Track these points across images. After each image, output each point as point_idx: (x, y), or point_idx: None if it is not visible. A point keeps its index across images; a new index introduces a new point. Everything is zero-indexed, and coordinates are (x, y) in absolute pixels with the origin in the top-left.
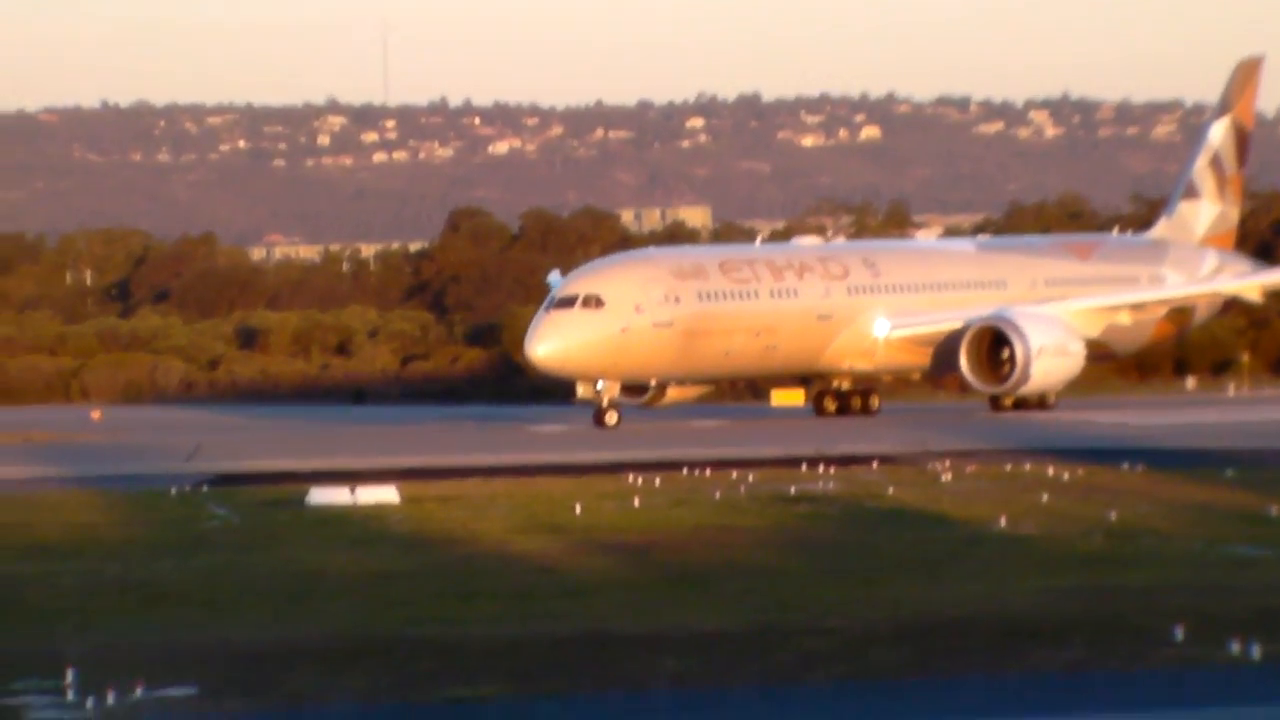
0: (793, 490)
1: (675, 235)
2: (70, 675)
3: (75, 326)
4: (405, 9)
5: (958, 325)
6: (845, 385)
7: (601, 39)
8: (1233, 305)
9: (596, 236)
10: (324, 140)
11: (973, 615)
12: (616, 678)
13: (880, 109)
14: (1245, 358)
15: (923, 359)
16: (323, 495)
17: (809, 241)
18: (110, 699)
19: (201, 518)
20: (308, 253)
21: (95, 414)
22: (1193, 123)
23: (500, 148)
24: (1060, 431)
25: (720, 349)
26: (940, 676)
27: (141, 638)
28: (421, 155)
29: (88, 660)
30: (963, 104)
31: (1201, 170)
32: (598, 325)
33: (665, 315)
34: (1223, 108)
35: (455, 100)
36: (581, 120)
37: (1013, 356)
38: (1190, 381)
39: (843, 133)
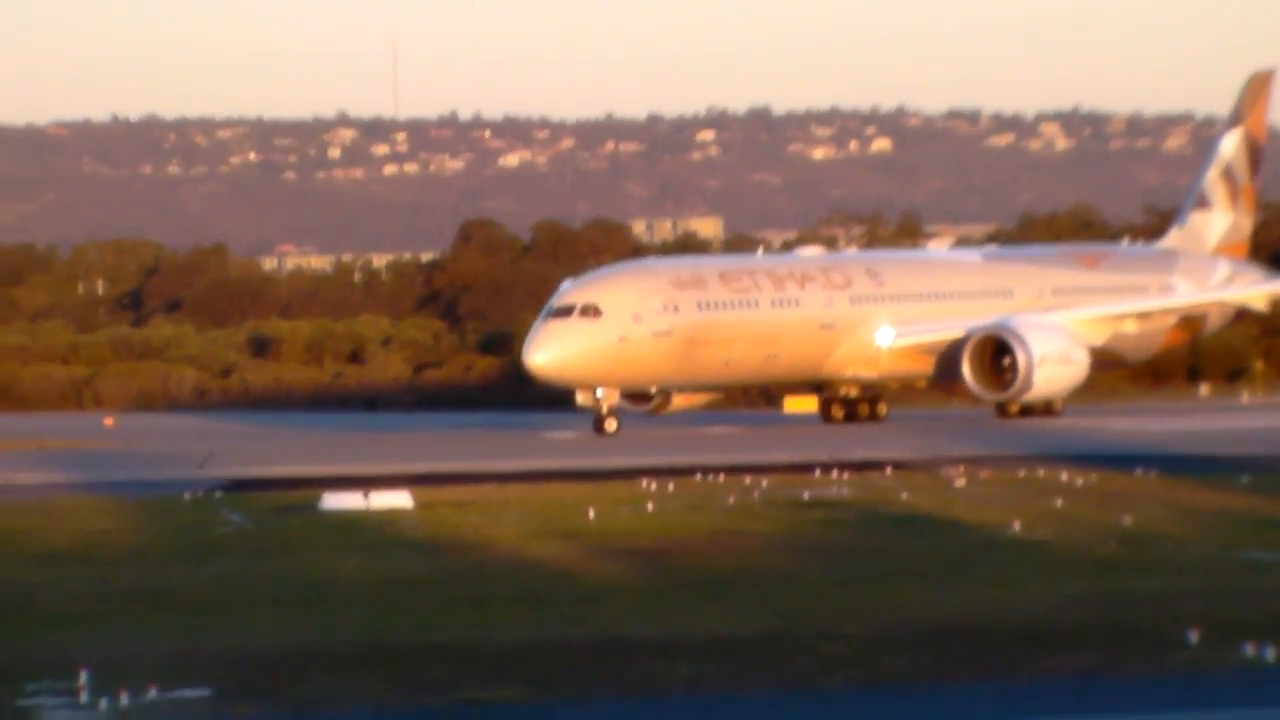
0: (806, 496)
1: (687, 246)
2: (84, 677)
3: (88, 336)
4: (415, 22)
5: (960, 334)
6: (853, 393)
7: (612, 52)
8: (1246, 314)
9: (608, 247)
10: (334, 153)
11: (987, 620)
12: (631, 682)
13: (891, 121)
14: (1259, 365)
15: (927, 367)
16: (336, 501)
17: (812, 252)
18: (124, 701)
19: (215, 523)
20: (319, 263)
21: (108, 421)
22: (1204, 135)
23: (511, 160)
24: (1074, 437)
25: (720, 358)
26: (954, 682)
27: (155, 642)
28: (432, 168)
29: (101, 663)
30: (973, 116)
31: (1213, 181)
32: (595, 334)
33: (664, 324)
34: (1235, 119)
35: (465, 113)
36: (592, 133)
37: (1015, 365)
38: (1204, 388)
39: (854, 145)
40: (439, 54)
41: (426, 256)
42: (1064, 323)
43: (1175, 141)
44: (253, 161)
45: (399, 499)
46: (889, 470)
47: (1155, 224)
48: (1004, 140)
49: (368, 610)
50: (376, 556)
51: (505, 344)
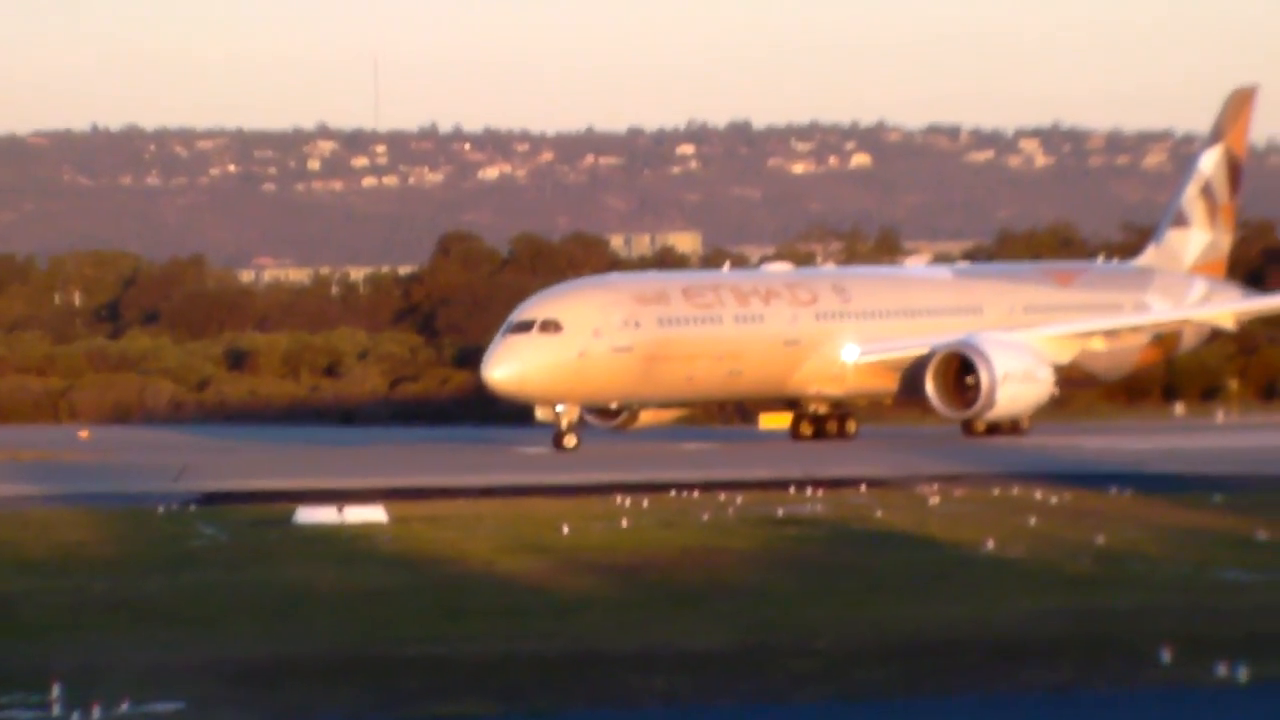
0: (781, 512)
1: (665, 261)
2: (57, 690)
3: (64, 347)
4: (395, 35)
5: (925, 351)
6: (822, 410)
7: (592, 65)
8: (1221, 332)
9: (586, 261)
10: (314, 165)
11: (961, 636)
12: (605, 696)
13: (871, 137)
14: (1234, 384)
15: (892, 384)
16: (310, 514)
17: (779, 268)
18: (97, 714)
19: (189, 536)
20: (297, 275)
21: (83, 433)
22: (1183, 152)
23: (490, 173)
24: (1048, 456)
25: (682, 374)
26: (928, 697)
27: (129, 654)
28: (411, 180)
29: (75, 675)
30: (953, 132)
31: (1192, 199)
32: (554, 349)
33: (624, 340)
34: (1215, 137)
35: (445, 126)
36: (572, 146)
37: (978, 382)
38: (1179, 407)
39: (833, 160)
40: (419, 66)
41: (405, 269)
42: (1029, 340)
43: (1155, 159)
44: (232, 173)
45: (373, 513)
46: (863, 487)
47: (1134, 241)
48: (983, 156)
49: (342, 623)
50: (351, 570)
51: (481, 358)
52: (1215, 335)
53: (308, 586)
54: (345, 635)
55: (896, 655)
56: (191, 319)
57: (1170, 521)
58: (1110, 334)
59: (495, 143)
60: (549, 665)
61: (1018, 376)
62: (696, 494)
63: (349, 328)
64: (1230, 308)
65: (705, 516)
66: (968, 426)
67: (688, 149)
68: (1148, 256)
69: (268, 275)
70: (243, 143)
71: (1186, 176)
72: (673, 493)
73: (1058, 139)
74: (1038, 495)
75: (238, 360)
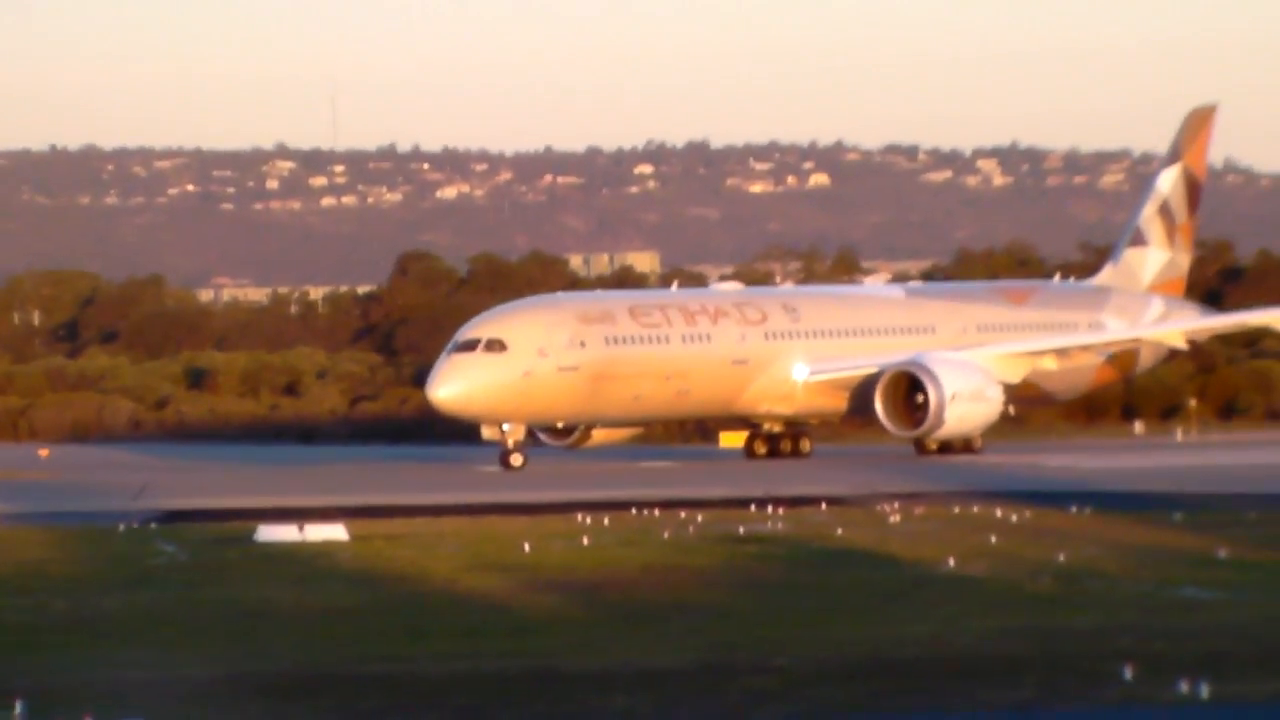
0: (741, 531)
1: (624, 280)
2: (19, 707)
3: (23, 366)
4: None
5: (874, 370)
6: (776, 428)
7: (550, 85)
8: (1179, 351)
9: (545, 281)
10: (273, 184)
11: (921, 654)
12: (564, 714)
13: (829, 157)
14: (1193, 403)
15: (842, 403)
16: (271, 533)
17: (728, 287)
18: None
19: (149, 554)
20: (256, 295)
21: (43, 452)
22: (1140, 172)
23: (449, 193)
24: (1008, 474)
25: (629, 393)
26: (888, 715)
27: (89, 672)
28: (370, 200)
29: (37, 693)
30: (911, 152)
31: (1149, 218)
32: (499, 369)
33: (570, 359)
34: (1173, 156)
35: (404, 146)
36: (530, 166)
37: (927, 401)
38: (1138, 426)
39: (791, 180)
40: (378, 87)
41: (363, 289)
42: (978, 359)
43: (1112, 178)
44: (191, 192)
45: (334, 531)
46: (823, 506)
47: (1091, 261)
48: (941, 176)
49: (303, 641)
50: (311, 588)
51: None
52: (1174, 354)
53: (268, 605)
54: (306, 653)
55: (857, 674)
56: (150, 338)
57: (1130, 540)
58: (1061, 353)
59: (453, 162)
60: (510, 684)
61: (966, 395)
62: (657, 512)
63: (308, 347)
64: (1179, 327)
65: (666, 535)
66: (920, 445)
67: (646, 169)
68: (1104, 276)
69: (226, 295)
70: (201, 162)
71: (1144, 195)
72: (633, 511)
73: (1015, 159)
74: (998, 513)
75: (196, 379)
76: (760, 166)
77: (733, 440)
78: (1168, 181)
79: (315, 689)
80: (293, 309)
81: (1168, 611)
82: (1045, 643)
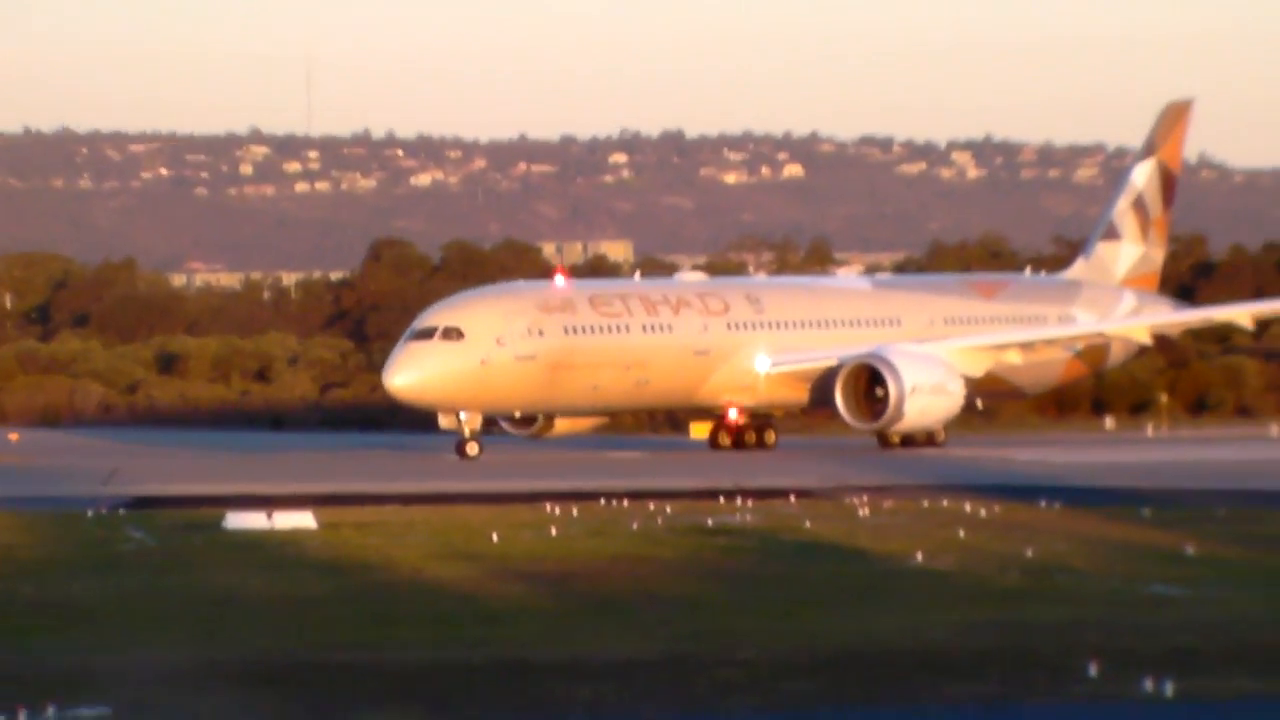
0: (710, 522)
1: (597, 269)
2: None
3: None
4: (329, 40)
5: (834, 362)
6: (742, 420)
7: (525, 73)
8: (1151, 346)
9: (518, 269)
10: (246, 169)
11: (889, 648)
12: (532, 704)
13: (803, 148)
14: (1164, 398)
15: (804, 394)
16: (239, 520)
17: (692, 277)
18: (23, 717)
19: (118, 540)
20: (229, 280)
21: (12, 436)
22: (1114, 166)
23: (423, 179)
24: (977, 468)
25: (587, 383)
26: (855, 709)
27: (55, 658)
28: (344, 186)
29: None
30: (885, 144)
31: (1123, 212)
32: (456, 357)
33: (527, 348)
34: (1148, 150)
35: (378, 132)
36: (504, 153)
37: (887, 394)
38: (1109, 421)
39: (765, 170)
40: (352, 72)
41: (336, 275)
42: (940, 353)
43: (1086, 172)
44: (164, 176)
45: (302, 519)
46: (792, 498)
47: (1065, 254)
48: (915, 168)
49: (269, 629)
50: (279, 576)
51: None
52: (1146, 349)
53: (236, 592)
54: (273, 641)
55: (824, 666)
56: (122, 322)
57: (1099, 535)
58: (1026, 347)
59: (428, 149)
60: (477, 673)
61: (927, 389)
62: (626, 503)
63: (280, 333)
64: (1142, 321)
65: (635, 525)
66: (883, 438)
67: (620, 158)
68: (1076, 269)
69: (199, 279)
70: (175, 146)
71: (1118, 189)
72: (602, 501)
73: (990, 151)
74: (967, 507)
75: (168, 364)
76: (734, 157)
77: (704, 431)
78: (1142, 175)
79: (282, 677)
80: (265, 294)
81: (1135, 607)
82: (1012, 638)
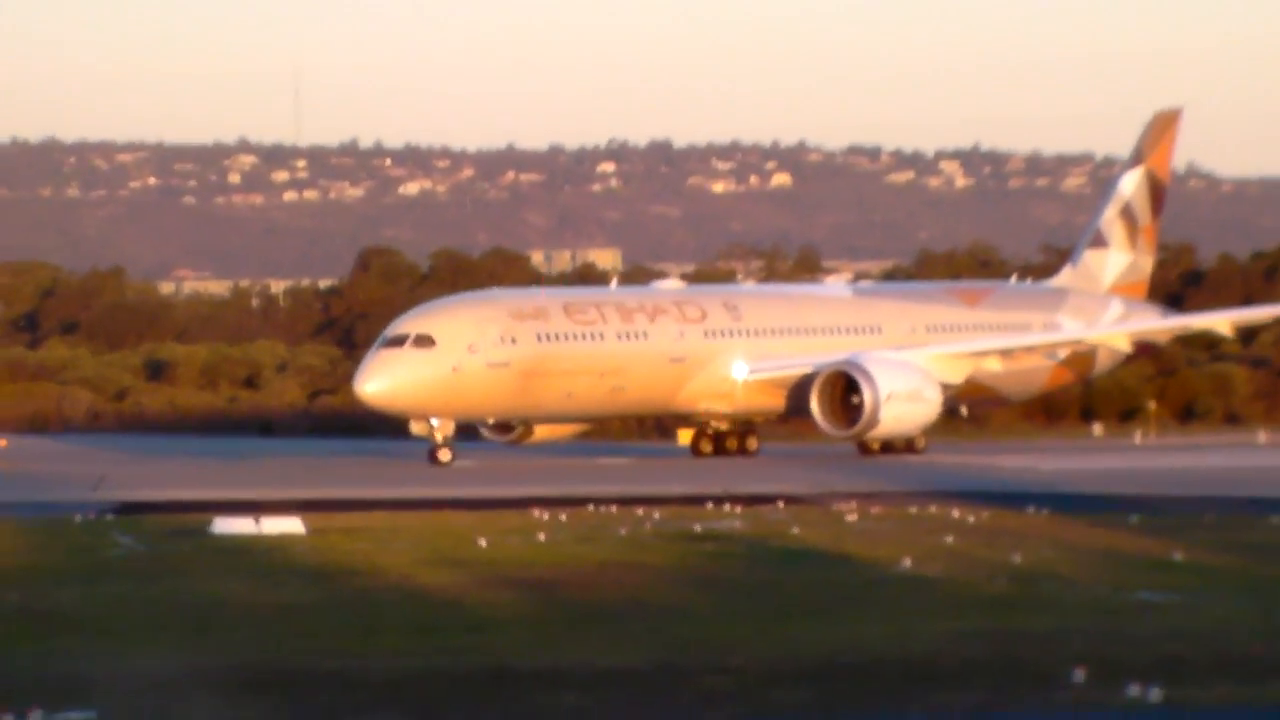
0: (698, 529)
1: (585, 277)
2: None
3: None
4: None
5: (811, 370)
6: (723, 426)
7: (513, 82)
8: (1140, 353)
9: (506, 277)
10: (234, 179)
11: (876, 656)
12: (518, 713)
13: (791, 157)
14: (1152, 405)
15: (781, 402)
16: (228, 525)
17: (669, 285)
18: None
19: (106, 546)
20: (217, 288)
21: (1, 442)
22: (1102, 175)
23: (411, 189)
24: (965, 475)
25: (561, 390)
26: (843, 717)
27: (42, 664)
28: (332, 195)
29: None
30: (874, 153)
31: (1111, 220)
32: (428, 364)
33: (500, 356)
34: (1136, 158)
35: (366, 141)
36: (492, 163)
37: (862, 401)
38: (1097, 428)
39: (754, 179)
40: (340, 81)
41: (325, 283)
42: (917, 360)
43: (1074, 181)
44: (152, 185)
45: (290, 525)
46: (780, 504)
47: (1053, 263)
48: (904, 177)
49: (257, 635)
50: (267, 582)
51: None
52: (1134, 356)
53: (224, 598)
54: (261, 648)
55: (813, 675)
56: (111, 330)
57: (1087, 542)
58: (1006, 354)
59: (416, 158)
60: (463, 681)
61: (903, 396)
62: (614, 509)
63: (268, 340)
64: (1122, 329)
65: (623, 531)
66: (863, 446)
67: (608, 167)
68: (1063, 277)
69: (187, 288)
70: (162, 156)
71: (1106, 198)
72: (590, 507)
73: (978, 160)
74: (955, 514)
75: (156, 371)
76: (722, 166)
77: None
78: (1130, 184)
79: (270, 683)
80: (254, 302)
81: (1122, 615)
82: (1000, 645)
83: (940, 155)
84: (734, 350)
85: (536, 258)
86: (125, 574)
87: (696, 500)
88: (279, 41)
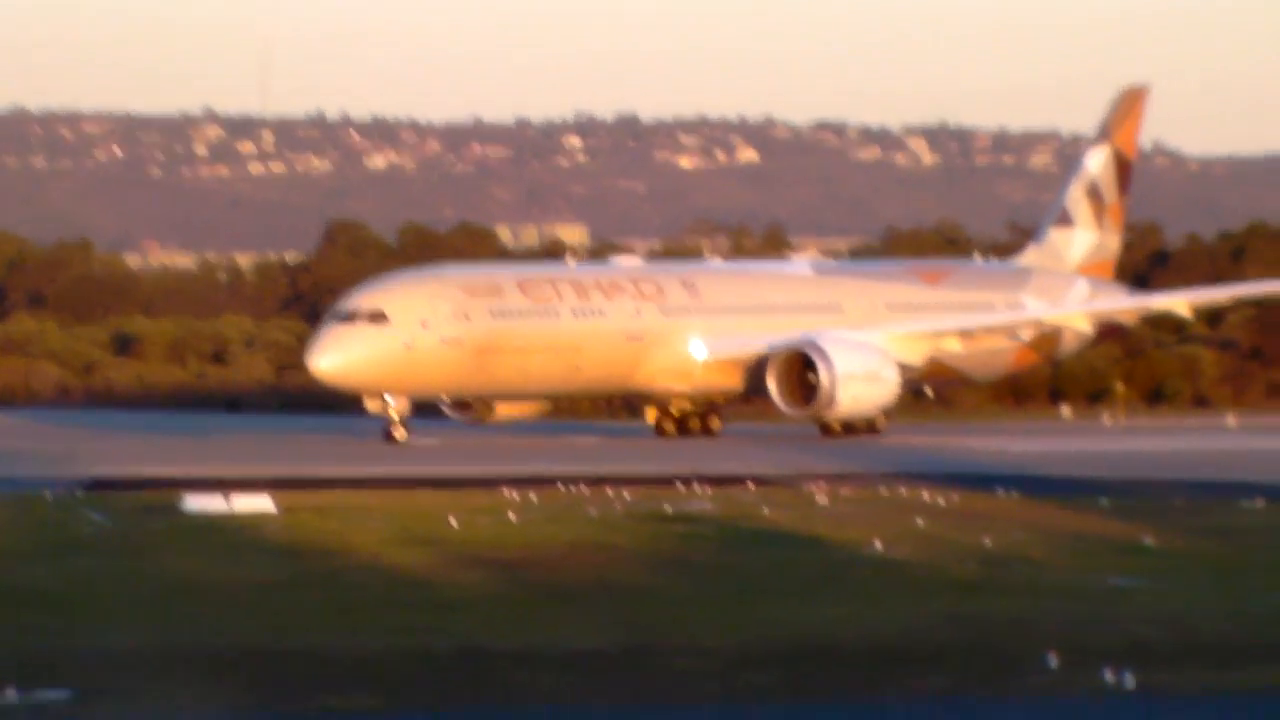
0: (669, 509)
1: (552, 252)
2: None
3: None
4: (283, 21)
5: (766, 349)
6: (687, 406)
7: (479, 56)
8: (1108, 334)
9: (473, 252)
10: (201, 150)
11: (846, 638)
12: (488, 693)
13: (758, 132)
14: (1120, 387)
15: (740, 381)
16: (198, 503)
17: (628, 262)
18: None
19: (76, 523)
20: (183, 261)
21: None
22: (1069, 153)
23: (378, 162)
24: (935, 456)
25: (517, 367)
26: (811, 700)
27: (14, 641)
28: (298, 167)
29: None
30: (840, 129)
31: (1076, 198)
32: (380, 340)
33: (453, 332)
34: (1102, 135)
35: (332, 114)
36: (459, 136)
37: (819, 381)
38: (1065, 410)
39: (720, 155)
40: (307, 53)
41: (292, 257)
42: (875, 339)
43: (1040, 159)
44: (119, 157)
45: (261, 502)
46: (750, 485)
47: (1019, 241)
48: (870, 154)
49: (229, 614)
50: (238, 560)
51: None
52: (1102, 338)
53: (195, 576)
54: (232, 626)
55: (783, 657)
56: (78, 303)
57: (1057, 525)
58: (965, 334)
59: (382, 131)
60: (434, 660)
61: (860, 376)
62: (584, 489)
63: (236, 315)
64: (1083, 309)
65: (593, 512)
66: (825, 427)
67: (575, 141)
68: (1028, 256)
69: (154, 260)
70: (129, 126)
71: (1071, 175)
72: (560, 487)
73: (944, 138)
74: (925, 496)
75: (124, 345)
76: (689, 141)
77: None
78: (1096, 162)
79: (240, 662)
80: (221, 276)
81: (1093, 599)
82: (970, 628)
83: (907, 131)
84: (692, 329)
85: (504, 233)
86: (96, 551)
87: (666, 481)
88: (245, 11)
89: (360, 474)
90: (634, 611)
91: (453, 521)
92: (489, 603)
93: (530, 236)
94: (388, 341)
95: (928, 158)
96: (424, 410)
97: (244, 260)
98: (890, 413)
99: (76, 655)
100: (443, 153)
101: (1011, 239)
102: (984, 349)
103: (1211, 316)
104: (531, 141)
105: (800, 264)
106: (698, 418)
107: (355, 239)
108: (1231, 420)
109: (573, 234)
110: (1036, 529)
